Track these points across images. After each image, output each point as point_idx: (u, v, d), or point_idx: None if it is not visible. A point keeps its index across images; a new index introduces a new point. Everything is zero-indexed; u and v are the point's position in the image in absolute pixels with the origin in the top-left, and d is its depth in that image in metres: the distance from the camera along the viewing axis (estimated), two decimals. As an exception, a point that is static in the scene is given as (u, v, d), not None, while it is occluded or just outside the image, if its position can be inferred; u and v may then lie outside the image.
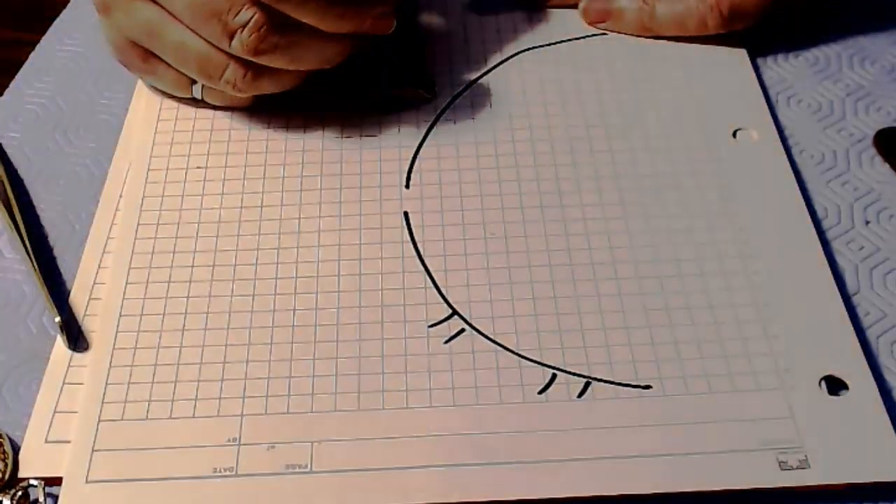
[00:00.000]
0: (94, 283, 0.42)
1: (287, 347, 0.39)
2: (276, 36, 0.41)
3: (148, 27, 0.43)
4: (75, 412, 0.37)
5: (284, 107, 0.47)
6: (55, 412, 0.38)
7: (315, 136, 0.47)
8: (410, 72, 0.48)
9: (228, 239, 0.43)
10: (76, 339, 0.40)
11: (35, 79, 0.51)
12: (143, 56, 0.45)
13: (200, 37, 0.42)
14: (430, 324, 0.40)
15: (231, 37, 0.41)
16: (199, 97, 0.47)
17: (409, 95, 0.48)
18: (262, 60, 0.42)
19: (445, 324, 0.40)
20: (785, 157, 0.46)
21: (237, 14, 0.41)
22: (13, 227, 0.43)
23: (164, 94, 0.49)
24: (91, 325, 0.40)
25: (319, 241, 0.43)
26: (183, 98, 0.48)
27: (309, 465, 0.36)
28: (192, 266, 0.42)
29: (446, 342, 0.39)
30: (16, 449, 0.37)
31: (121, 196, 0.45)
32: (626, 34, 0.52)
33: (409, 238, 0.43)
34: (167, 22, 0.43)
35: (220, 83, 0.44)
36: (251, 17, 0.41)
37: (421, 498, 0.35)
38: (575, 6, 0.53)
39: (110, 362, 0.39)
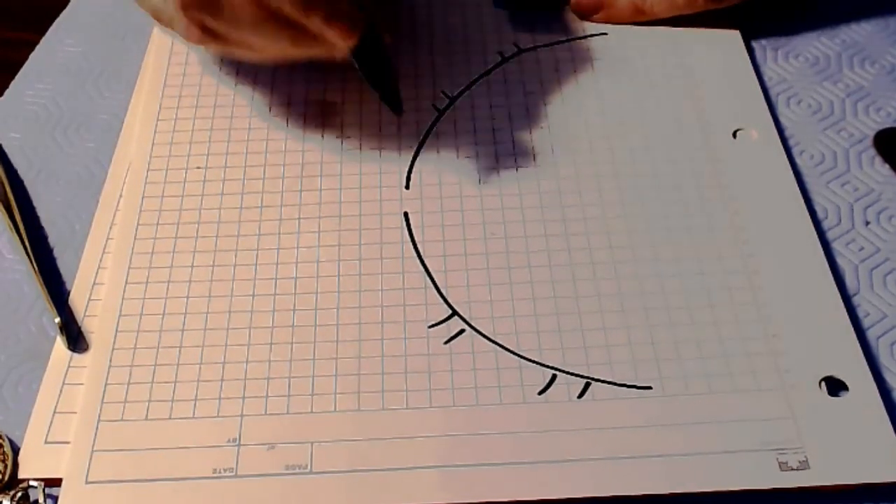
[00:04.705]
0: (94, 283, 0.42)
1: (287, 348, 0.39)
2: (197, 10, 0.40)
3: None
4: (75, 413, 0.37)
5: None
6: (55, 413, 0.38)
7: (315, 136, 0.47)
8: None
9: (228, 239, 0.43)
10: (76, 339, 0.40)
11: (35, 79, 0.51)
12: None
13: None
14: (430, 324, 0.40)
15: None
16: None
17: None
18: (194, 20, 0.41)
19: (445, 324, 0.40)
20: (785, 157, 0.46)
21: None
22: (13, 227, 0.43)
23: (163, 94, 0.49)
24: (91, 325, 0.40)
25: (319, 241, 0.43)
26: (185, 95, 0.48)
27: (308, 466, 0.36)
28: (192, 266, 0.42)
29: (446, 342, 0.39)
30: (16, 450, 0.37)
31: (121, 196, 0.45)
32: (620, 24, 0.52)
33: (409, 238, 0.43)
34: None
35: (176, 33, 0.43)
36: None
37: (421, 498, 0.35)
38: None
39: (110, 362, 0.39)
